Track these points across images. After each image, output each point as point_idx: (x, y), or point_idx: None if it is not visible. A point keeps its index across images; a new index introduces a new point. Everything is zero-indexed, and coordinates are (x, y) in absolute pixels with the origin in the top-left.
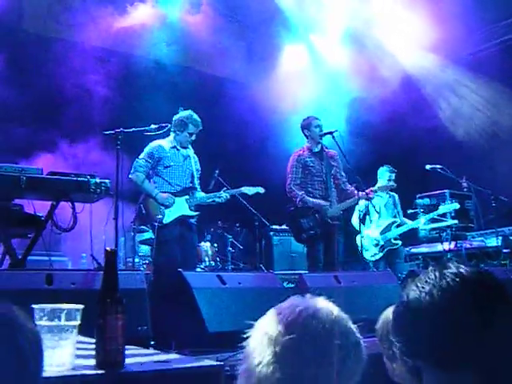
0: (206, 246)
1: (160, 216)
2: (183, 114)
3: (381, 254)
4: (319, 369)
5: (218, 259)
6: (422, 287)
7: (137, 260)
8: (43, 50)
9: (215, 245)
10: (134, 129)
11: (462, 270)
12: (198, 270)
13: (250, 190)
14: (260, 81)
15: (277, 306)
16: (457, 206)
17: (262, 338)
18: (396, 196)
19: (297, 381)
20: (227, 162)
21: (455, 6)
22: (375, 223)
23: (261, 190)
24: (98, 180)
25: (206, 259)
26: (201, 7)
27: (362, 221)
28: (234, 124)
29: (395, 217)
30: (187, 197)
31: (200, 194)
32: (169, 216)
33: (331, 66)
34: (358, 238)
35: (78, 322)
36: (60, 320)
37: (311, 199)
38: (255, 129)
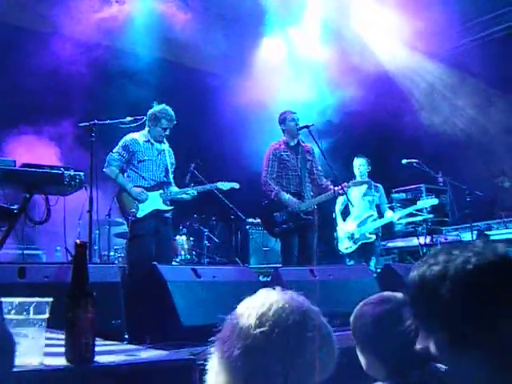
0: (181, 239)
1: (134, 210)
2: (157, 108)
3: (355, 247)
4: (291, 361)
5: (193, 253)
6: (454, 257)
7: (112, 253)
8: (19, 40)
9: (191, 238)
10: (108, 121)
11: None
12: (174, 263)
13: (225, 186)
14: (238, 74)
15: (247, 299)
16: (436, 201)
17: (233, 332)
18: (378, 187)
19: (268, 373)
20: (204, 156)
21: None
22: (353, 216)
23: (236, 185)
24: (72, 172)
25: (182, 253)
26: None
27: (343, 213)
28: (212, 117)
29: (374, 209)
30: (161, 191)
31: (174, 189)
32: (143, 210)
33: (309, 59)
34: (337, 230)
35: (46, 316)
36: (29, 313)
37: (286, 196)
38: (233, 122)
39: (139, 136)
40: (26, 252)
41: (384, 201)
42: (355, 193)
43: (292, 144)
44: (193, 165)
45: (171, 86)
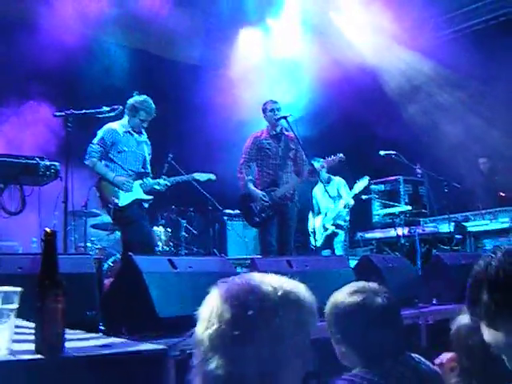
0: (159, 230)
1: (116, 199)
2: (138, 98)
3: (321, 240)
4: (249, 346)
5: (171, 244)
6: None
7: (89, 245)
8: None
9: (169, 229)
10: (85, 110)
11: None
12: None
13: (202, 177)
14: (218, 66)
15: (206, 304)
16: (366, 181)
17: (200, 337)
18: (333, 180)
19: (239, 367)
20: (182, 146)
21: None
22: (321, 212)
23: (212, 177)
24: (47, 162)
25: (160, 244)
26: None
27: (313, 210)
28: (190, 108)
29: (332, 202)
30: (140, 181)
31: (150, 180)
32: (125, 199)
33: (288, 51)
34: (309, 226)
35: (15, 306)
36: None
37: (252, 188)
38: (211, 114)
39: (119, 126)
40: (0, 243)
41: (343, 193)
42: (319, 190)
43: (274, 133)
44: (170, 155)
45: (148, 77)
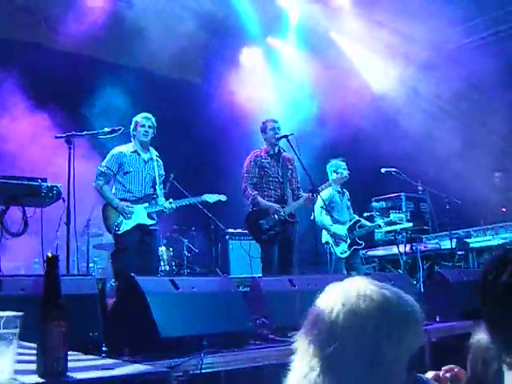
0: (161, 250)
1: (117, 223)
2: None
3: (348, 252)
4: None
5: (173, 263)
6: None
7: (91, 265)
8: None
9: (171, 249)
10: (86, 132)
11: None
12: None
13: (211, 198)
14: (218, 84)
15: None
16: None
17: None
18: (347, 193)
19: None
20: (183, 166)
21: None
22: (338, 219)
23: (223, 197)
24: (49, 184)
25: (162, 263)
26: None
27: (329, 214)
28: (192, 127)
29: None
30: (147, 204)
31: (161, 201)
32: (126, 224)
33: (289, 69)
34: (324, 234)
35: (17, 330)
36: None
37: (263, 201)
38: (213, 132)
39: (126, 147)
40: (2, 265)
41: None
42: (337, 197)
43: (272, 152)
44: (172, 175)
45: (150, 96)
